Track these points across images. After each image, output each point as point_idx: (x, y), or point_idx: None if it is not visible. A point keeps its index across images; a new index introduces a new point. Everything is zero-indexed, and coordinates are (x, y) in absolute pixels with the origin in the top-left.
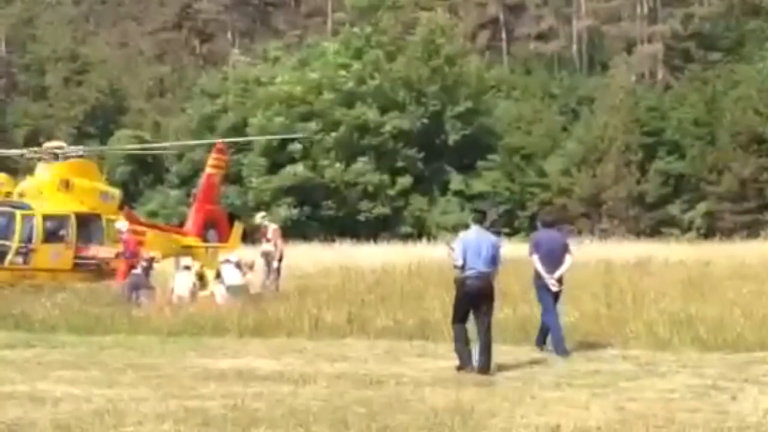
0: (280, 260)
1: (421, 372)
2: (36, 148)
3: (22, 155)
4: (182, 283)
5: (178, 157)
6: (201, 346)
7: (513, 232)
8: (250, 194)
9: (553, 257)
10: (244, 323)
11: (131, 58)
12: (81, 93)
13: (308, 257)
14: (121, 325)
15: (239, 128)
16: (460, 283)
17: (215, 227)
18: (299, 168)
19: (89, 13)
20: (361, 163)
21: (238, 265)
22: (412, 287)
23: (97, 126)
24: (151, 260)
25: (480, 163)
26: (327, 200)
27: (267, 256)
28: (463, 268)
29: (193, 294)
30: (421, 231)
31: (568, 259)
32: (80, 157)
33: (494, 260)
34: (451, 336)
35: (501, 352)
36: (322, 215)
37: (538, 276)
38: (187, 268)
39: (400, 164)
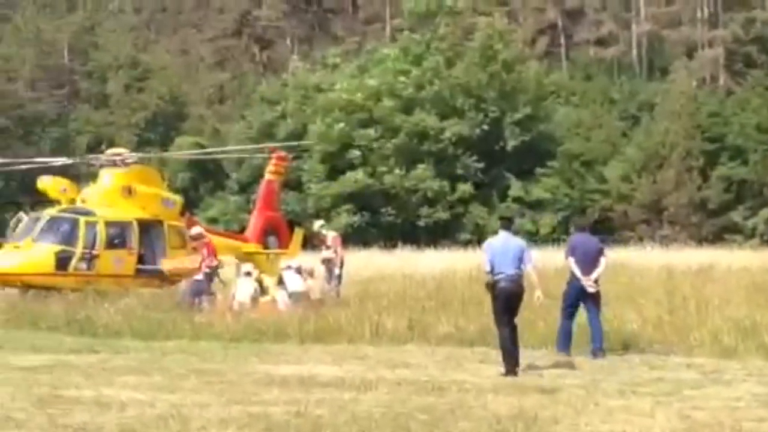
0: (340, 267)
1: (483, 379)
2: (98, 155)
3: (84, 162)
4: (243, 289)
5: (238, 164)
6: (263, 352)
7: None
8: (309, 201)
9: (588, 260)
10: (305, 329)
11: (191, 65)
12: (142, 100)
13: (368, 263)
14: (183, 331)
15: (299, 135)
16: (491, 288)
17: (275, 234)
18: (359, 174)
19: (150, 20)
20: (421, 170)
21: (299, 272)
22: (473, 293)
23: (157, 132)
24: (215, 267)
25: (539, 170)
26: (386, 206)
27: (328, 263)
28: (492, 272)
29: (254, 300)
30: (480, 237)
31: (602, 262)
32: (142, 163)
33: (521, 262)
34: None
35: (564, 360)
36: (381, 222)
37: (573, 278)
38: (248, 274)
39: (459, 171)
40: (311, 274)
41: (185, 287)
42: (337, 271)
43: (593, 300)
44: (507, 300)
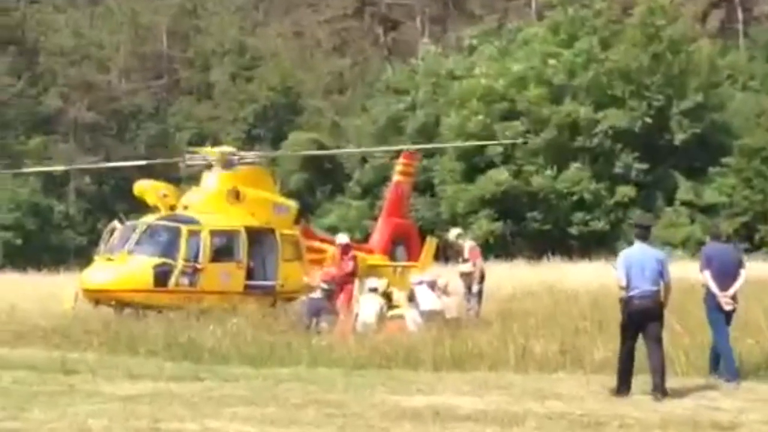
0: (480, 282)
1: (649, 412)
2: (202, 155)
3: (185, 163)
4: (368, 307)
5: (360, 163)
6: (391, 380)
7: (752, 248)
8: (443, 205)
9: (726, 273)
10: (440, 354)
11: (306, 50)
12: (250, 91)
13: (512, 277)
14: (300, 356)
15: (430, 129)
16: (624, 304)
17: (404, 243)
18: (501, 174)
19: (259, 0)
20: (575, 169)
21: (433, 287)
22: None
23: (268, 128)
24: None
25: (712, 168)
26: (533, 212)
27: (466, 277)
28: (627, 288)
29: (381, 319)
30: None
31: (742, 275)
32: (251, 163)
33: (661, 277)
34: (683, 370)
35: (742, 389)
36: (527, 229)
37: (709, 294)
38: (373, 290)
39: (617, 170)
40: (446, 290)
41: (302, 306)
42: (476, 286)
43: (728, 319)
44: (642, 318)
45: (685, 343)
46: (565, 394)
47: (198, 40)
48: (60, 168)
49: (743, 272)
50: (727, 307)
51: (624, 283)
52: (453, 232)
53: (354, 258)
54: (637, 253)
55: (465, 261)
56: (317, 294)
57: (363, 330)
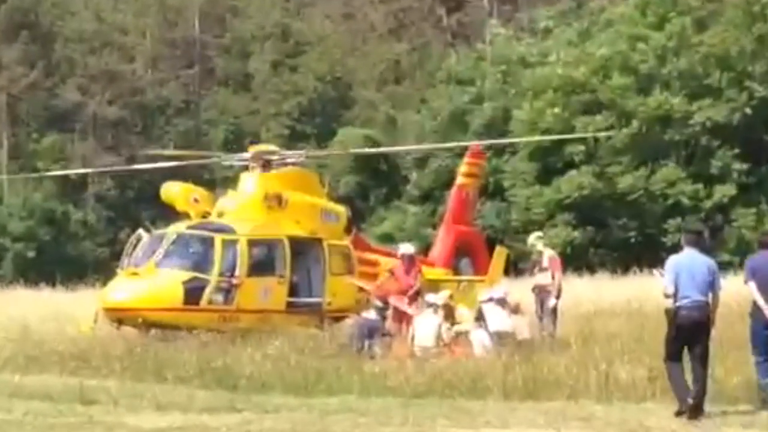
0: (557, 297)
1: None
2: (239, 154)
3: (223, 162)
4: (426, 327)
5: (419, 164)
6: (455, 411)
7: None
8: (513, 211)
9: None
10: (510, 381)
11: (358, 34)
12: (294, 81)
13: (593, 292)
14: (350, 384)
15: (499, 124)
16: (672, 315)
17: (470, 255)
18: (582, 175)
19: None
20: (667, 169)
21: (503, 303)
22: (735, 334)
23: (314, 124)
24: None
25: None
26: (619, 218)
27: (541, 291)
28: (675, 297)
29: (441, 341)
30: (745, 257)
31: None
32: (295, 164)
33: (711, 287)
34: None
35: None
36: (611, 237)
37: (756, 309)
38: (432, 306)
39: (715, 169)
40: (517, 308)
41: (353, 326)
42: (552, 302)
43: None
44: (690, 331)
45: None
46: (655, 427)
47: (235, 23)
48: (79, 171)
49: None
50: None
51: (671, 291)
52: (533, 236)
53: (420, 272)
54: (686, 260)
55: (543, 271)
56: (370, 313)
57: (421, 354)
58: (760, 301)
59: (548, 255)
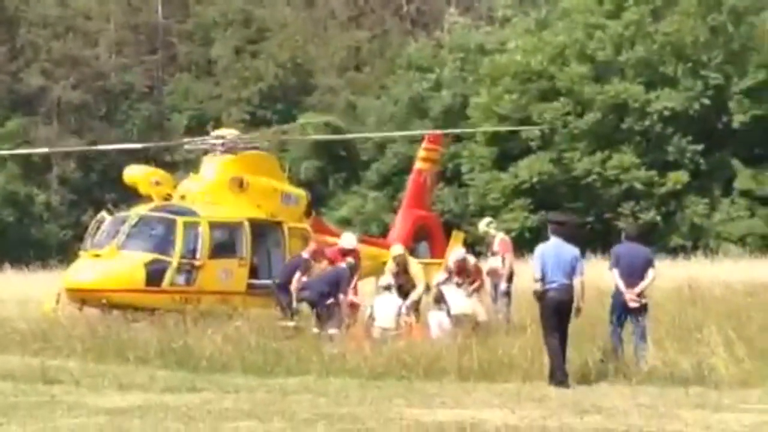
0: (509, 280)
1: (702, 429)
2: (201, 138)
3: (182, 147)
4: (385, 309)
5: (379, 149)
6: (411, 393)
7: None
8: (471, 196)
9: (634, 272)
10: (466, 363)
11: (319, 21)
12: (256, 67)
13: None
14: (309, 365)
15: (457, 111)
16: (540, 297)
17: (427, 239)
18: (539, 161)
19: None
20: (622, 155)
21: (463, 268)
22: (687, 317)
23: (275, 109)
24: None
25: None
26: (575, 203)
27: (493, 275)
28: (543, 281)
29: (402, 321)
30: (696, 242)
31: (650, 274)
32: (256, 148)
33: (574, 272)
34: (738, 380)
35: None
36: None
37: (617, 290)
38: (388, 289)
39: (670, 156)
40: (478, 289)
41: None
42: (503, 285)
43: (638, 316)
44: (557, 310)
45: (740, 353)
46: (608, 408)
47: (198, 9)
48: (41, 150)
49: (652, 272)
50: (633, 304)
51: (539, 276)
52: (484, 222)
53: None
54: (552, 247)
55: (494, 254)
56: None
57: (380, 336)
58: (621, 286)
59: (499, 239)
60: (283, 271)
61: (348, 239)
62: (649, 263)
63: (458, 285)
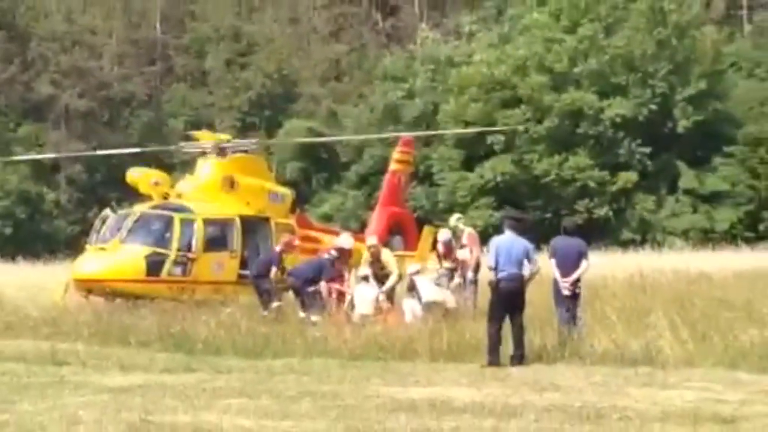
0: (475, 270)
1: (649, 405)
2: (195, 142)
3: (179, 150)
4: (364, 297)
5: (357, 152)
6: (387, 372)
7: (757, 238)
8: (441, 194)
9: (568, 262)
10: (436, 345)
11: (303, 36)
12: (245, 78)
13: None
14: (294, 347)
15: (428, 117)
16: (494, 285)
17: (401, 233)
18: (502, 163)
19: None
20: (578, 157)
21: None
22: (636, 304)
23: (263, 116)
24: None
25: (716, 157)
26: (535, 200)
27: (462, 266)
28: (496, 270)
29: (379, 308)
30: (645, 236)
31: (583, 264)
32: (246, 151)
33: (525, 263)
34: (683, 361)
35: (745, 382)
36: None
37: (555, 280)
38: (367, 278)
39: (621, 158)
40: (453, 276)
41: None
42: (470, 274)
43: (572, 303)
44: (508, 299)
45: (684, 335)
46: (564, 386)
47: (193, 25)
48: (51, 156)
49: (585, 263)
50: (566, 292)
51: (493, 265)
52: (454, 218)
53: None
54: (506, 240)
55: (462, 247)
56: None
57: (360, 321)
58: (557, 275)
59: (467, 233)
60: (258, 265)
61: (347, 239)
62: (582, 255)
63: (451, 274)
